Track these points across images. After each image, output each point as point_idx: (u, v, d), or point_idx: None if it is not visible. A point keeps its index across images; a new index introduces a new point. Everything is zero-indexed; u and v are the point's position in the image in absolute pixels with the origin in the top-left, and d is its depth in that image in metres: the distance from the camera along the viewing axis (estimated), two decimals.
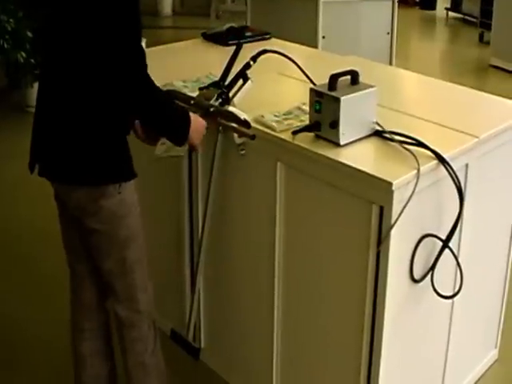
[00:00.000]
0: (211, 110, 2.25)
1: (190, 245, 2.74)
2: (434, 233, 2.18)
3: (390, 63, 6.55)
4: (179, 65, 3.01)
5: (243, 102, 2.36)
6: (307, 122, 2.25)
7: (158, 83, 2.67)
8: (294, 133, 2.19)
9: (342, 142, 2.13)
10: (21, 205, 4.32)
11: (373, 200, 2.03)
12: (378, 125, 2.23)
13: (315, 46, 6.16)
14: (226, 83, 2.36)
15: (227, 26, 3.46)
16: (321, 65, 3.00)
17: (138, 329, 2.29)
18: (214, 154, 2.41)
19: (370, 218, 2.05)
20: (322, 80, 2.35)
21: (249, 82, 2.38)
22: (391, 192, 1.96)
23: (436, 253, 2.19)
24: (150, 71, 2.82)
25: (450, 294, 2.27)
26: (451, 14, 9.68)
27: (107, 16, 1.93)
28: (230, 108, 2.29)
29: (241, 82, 2.37)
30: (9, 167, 4.61)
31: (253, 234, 2.48)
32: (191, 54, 3.18)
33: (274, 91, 2.68)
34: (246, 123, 2.20)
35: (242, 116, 2.25)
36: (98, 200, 2.08)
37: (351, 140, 2.16)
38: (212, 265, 2.65)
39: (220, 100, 2.27)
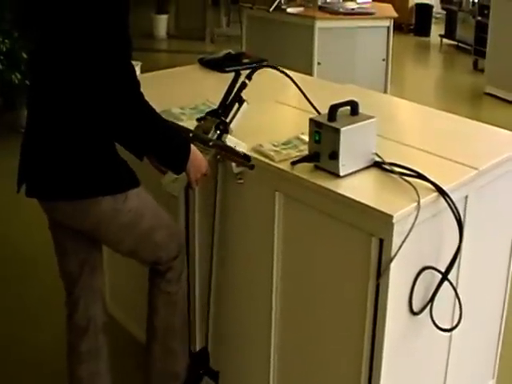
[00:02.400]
0: (210, 144, 2.25)
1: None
2: (433, 265, 2.17)
3: (385, 90, 6.59)
4: (176, 91, 3.01)
5: (241, 131, 2.36)
6: (306, 152, 2.25)
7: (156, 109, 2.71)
8: (293, 163, 2.19)
9: (341, 173, 2.13)
10: (13, 226, 4.30)
11: (372, 232, 2.02)
12: (378, 156, 2.23)
13: (311, 72, 6.19)
14: (223, 111, 2.36)
15: (224, 52, 3.47)
16: (318, 93, 2.99)
17: (174, 269, 2.39)
18: (216, 183, 2.41)
19: (369, 250, 2.04)
20: (320, 109, 2.36)
21: (244, 104, 2.38)
22: (391, 225, 1.96)
23: (435, 285, 2.19)
24: (147, 97, 2.83)
25: (448, 325, 2.26)
26: (445, 40, 9.77)
27: (97, 36, 1.94)
28: (229, 138, 2.29)
29: (237, 105, 2.37)
30: (2, 187, 4.59)
31: (251, 263, 2.47)
32: (188, 81, 3.19)
33: (272, 119, 2.68)
34: (245, 158, 2.20)
35: (241, 148, 2.26)
36: (92, 212, 2.09)
37: (351, 171, 2.16)
38: (208, 294, 2.64)
39: (218, 132, 2.27)
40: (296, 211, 2.25)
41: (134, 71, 2.03)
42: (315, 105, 2.43)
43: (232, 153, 2.25)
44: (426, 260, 2.17)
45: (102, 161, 2.09)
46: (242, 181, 2.35)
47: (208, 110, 2.63)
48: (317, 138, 2.15)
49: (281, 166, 2.22)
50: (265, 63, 3.39)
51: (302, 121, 2.56)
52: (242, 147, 2.31)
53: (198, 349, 2.74)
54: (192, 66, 3.44)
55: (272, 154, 2.27)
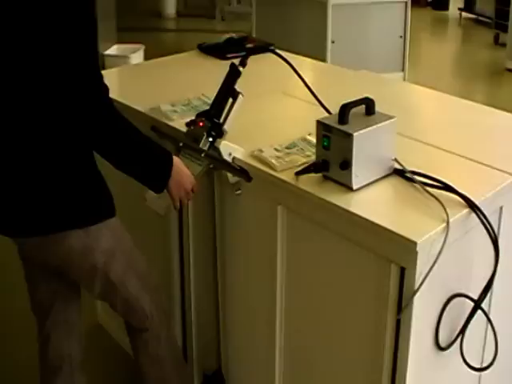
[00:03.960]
0: (202, 155, 1.90)
1: (181, 293, 2.39)
2: (463, 291, 1.82)
3: (403, 68, 6.20)
4: (170, 82, 2.65)
5: (239, 130, 2.00)
6: (313, 157, 1.90)
7: (144, 105, 2.36)
8: (298, 174, 1.83)
9: (354, 187, 1.78)
10: None
11: (392, 259, 1.67)
12: (397, 162, 1.87)
13: (324, 51, 5.81)
14: (215, 110, 2.00)
15: (225, 36, 3.10)
16: (329, 81, 2.65)
17: (151, 330, 2.04)
18: (213, 194, 2.06)
19: (388, 279, 1.69)
20: (331, 99, 2.01)
21: (239, 97, 2.01)
22: (415, 253, 1.60)
23: (465, 315, 1.83)
24: (139, 88, 2.47)
25: (477, 361, 1.92)
26: (464, 14, 9.28)
27: (58, 45, 1.60)
28: (223, 144, 1.93)
29: (230, 101, 2.01)
30: None
31: (251, 284, 2.12)
32: (184, 70, 2.82)
33: (275, 116, 2.32)
34: (242, 172, 1.85)
35: (238, 155, 1.91)
36: (60, 247, 1.75)
37: (366, 183, 1.80)
38: (206, 314, 2.31)
39: (210, 139, 1.92)
40: (301, 228, 1.90)
41: (101, 80, 1.68)
42: (327, 94, 2.06)
43: (226, 166, 1.90)
44: (455, 286, 1.81)
45: (67, 188, 1.76)
46: (239, 192, 2.00)
47: (202, 106, 2.30)
48: (325, 143, 1.79)
49: (283, 176, 1.86)
50: (269, 48, 3.06)
51: (310, 117, 2.20)
52: (239, 153, 1.96)
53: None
54: (190, 53, 3.07)
55: (273, 161, 1.91)
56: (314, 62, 3.10)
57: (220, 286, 2.20)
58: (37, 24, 1.61)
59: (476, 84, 7.05)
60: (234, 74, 2.00)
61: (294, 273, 1.95)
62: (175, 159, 1.81)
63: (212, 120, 1.94)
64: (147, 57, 5.26)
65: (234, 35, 3.11)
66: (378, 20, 6.00)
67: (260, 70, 2.04)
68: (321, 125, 1.79)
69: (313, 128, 1.95)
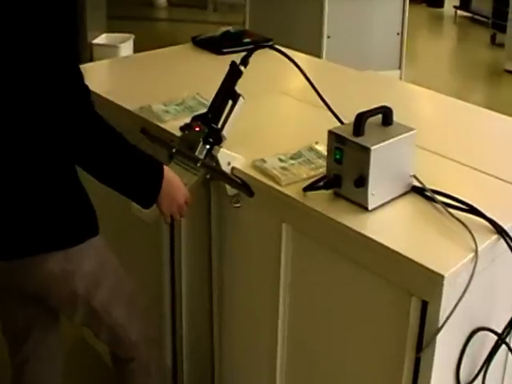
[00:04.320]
0: (198, 164, 1.68)
1: (172, 313, 2.17)
2: (487, 324, 1.62)
3: (400, 66, 5.99)
4: (162, 78, 2.42)
5: (237, 135, 1.78)
6: (322, 170, 1.69)
7: (133, 104, 2.14)
8: (306, 189, 1.62)
9: (370, 206, 1.57)
10: None
11: (413, 291, 1.46)
12: (416, 179, 1.66)
13: (319, 46, 5.59)
14: (213, 113, 1.77)
15: (221, 29, 2.87)
16: (333, 81, 2.43)
17: (138, 360, 1.80)
18: (210, 207, 1.84)
19: (407, 312, 1.48)
20: (337, 103, 1.79)
21: (240, 100, 1.79)
22: (441, 286, 1.40)
23: (487, 350, 1.63)
24: (128, 83, 2.27)
25: None
26: (460, 12, 9.07)
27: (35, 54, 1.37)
28: (221, 152, 1.72)
29: (230, 103, 1.79)
30: None
31: (250, 306, 1.91)
32: (177, 65, 2.60)
33: (277, 120, 2.10)
34: (244, 186, 1.64)
35: (237, 165, 1.69)
36: (37, 272, 1.53)
37: (382, 202, 1.59)
38: (200, 336, 2.10)
39: (208, 146, 1.70)
40: (309, 249, 1.69)
41: (81, 85, 1.46)
42: (332, 96, 1.84)
43: (225, 179, 1.69)
44: (479, 319, 1.61)
45: (45, 206, 1.54)
46: (238, 204, 1.79)
47: (198, 107, 2.08)
48: (338, 156, 1.58)
49: (289, 191, 1.65)
50: (269, 43, 2.84)
51: (315, 121, 2.00)
52: (239, 163, 1.75)
53: None
54: (184, 46, 2.84)
55: (278, 174, 1.69)
56: (314, 59, 2.90)
57: (216, 307, 1.98)
58: (11, 29, 1.38)
59: (474, 85, 6.87)
60: (234, 74, 1.78)
61: (299, 298, 1.74)
62: (166, 170, 1.58)
63: (209, 125, 1.72)
64: (137, 47, 5.02)
65: (230, 28, 2.89)
66: (375, 16, 5.80)
67: (255, 66, 1.82)
68: (333, 136, 1.58)
69: (319, 133, 1.75)
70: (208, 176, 1.73)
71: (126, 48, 4.52)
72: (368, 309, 1.58)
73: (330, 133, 1.59)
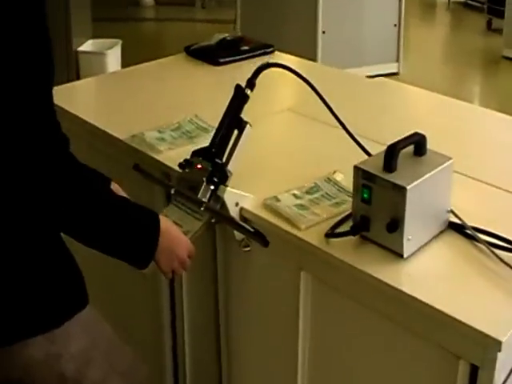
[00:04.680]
0: (202, 208, 1.43)
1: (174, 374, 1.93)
2: None
3: (398, 58, 5.75)
4: (155, 98, 2.17)
5: (245, 171, 1.54)
6: (345, 207, 1.45)
7: (124, 131, 1.89)
8: (329, 236, 1.38)
9: (406, 254, 1.33)
10: None
11: (461, 354, 1.22)
12: (454, 214, 1.42)
13: (314, 42, 5.35)
14: (217, 146, 1.52)
15: (217, 37, 2.61)
16: (343, 91, 2.19)
17: None
18: (215, 252, 1.60)
19: (453, 378, 1.25)
20: (346, 115, 1.56)
21: (247, 128, 1.55)
22: (496, 351, 1.16)
23: None
24: (116, 105, 2.02)
25: None
26: None
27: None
28: (228, 192, 1.47)
29: (235, 133, 1.55)
30: None
31: (265, 361, 1.66)
32: (171, 80, 2.34)
33: (288, 145, 1.85)
34: (259, 237, 1.40)
35: (245, 205, 1.45)
36: (18, 359, 1.28)
37: (419, 246, 1.36)
38: None
39: (212, 186, 1.45)
40: (332, 302, 1.45)
41: (56, 130, 1.20)
42: (343, 109, 1.60)
43: (235, 226, 1.45)
44: None
45: (21, 284, 1.27)
46: (248, 248, 1.54)
47: (196, 132, 1.85)
48: (366, 195, 1.34)
49: (308, 237, 1.40)
50: (269, 49, 2.60)
51: (330, 144, 1.77)
52: (248, 202, 1.51)
53: None
54: (176, 57, 2.58)
55: (294, 215, 1.45)
56: (321, 66, 2.65)
57: (225, 371, 1.74)
58: None
59: (471, 73, 6.62)
60: (240, 99, 1.53)
61: (321, 358, 1.50)
62: (164, 221, 1.33)
63: (213, 161, 1.48)
64: (125, 50, 4.77)
65: (227, 35, 2.63)
66: (371, 7, 5.56)
67: (258, 79, 1.57)
68: (360, 172, 1.34)
69: (335, 158, 1.54)
70: (213, 220, 1.48)
71: (114, 54, 4.27)
72: (404, 371, 1.35)
73: (357, 168, 1.34)
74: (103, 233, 1.24)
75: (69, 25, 4.07)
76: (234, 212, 1.49)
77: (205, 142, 1.78)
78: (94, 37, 4.57)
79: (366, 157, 1.53)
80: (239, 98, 1.54)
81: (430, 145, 1.40)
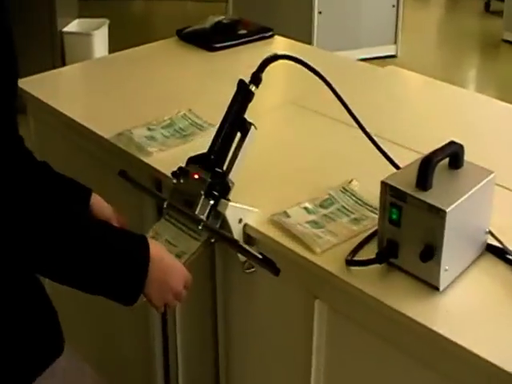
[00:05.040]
0: (200, 227, 1.21)
1: None
2: None
3: (396, 40, 5.51)
4: (144, 88, 1.93)
5: (248, 178, 1.32)
6: (366, 223, 1.24)
7: (108, 127, 1.66)
8: (350, 263, 1.16)
9: (442, 286, 1.11)
10: None
11: None
12: (492, 235, 1.21)
13: (310, 23, 5.09)
14: (217, 153, 1.29)
15: (212, 19, 2.37)
16: (352, 80, 1.96)
17: None
18: (214, 275, 1.38)
19: None
20: (364, 112, 1.34)
21: (251, 130, 1.32)
22: None
23: None
24: (101, 97, 1.80)
25: None
26: None
27: None
28: (230, 207, 1.24)
29: (238, 136, 1.32)
30: None
31: None
32: (162, 67, 2.10)
33: (294, 145, 1.62)
34: (269, 266, 1.17)
35: (249, 221, 1.22)
36: None
37: (455, 277, 1.14)
38: None
39: (212, 201, 1.23)
40: (351, 335, 1.23)
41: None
42: (354, 101, 1.36)
43: (240, 250, 1.22)
44: None
45: None
46: (253, 270, 1.32)
47: (190, 129, 1.62)
48: (395, 216, 1.12)
49: (326, 263, 1.18)
50: (268, 34, 2.36)
51: (343, 144, 1.56)
52: (252, 218, 1.28)
53: None
54: (167, 42, 2.34)
55: (308, 235, 1.23)
56: (326, 52, 2.41)
57: None
58: None
59: (469, 57, 6.39)
60: (243, 97, 1.30)
61: None
62: (154, 247, 1.10)
63: (213, 170, 1.25)
64: (113, 31, 4.50)
65: (222, 17, 2.39)
66: None
67: (252, 66, 1.34)
68: (388, 188, 1.12)
69: (351, 163, 1.35)
70: (213, 240, 1.26)
71: (101, 35, 4.01)
72: None
73: (385, 184, 1.12)
74: (77, 268, 1.02)
75: (53, 4, 3.80)
76: (236, 230, 1.26)
77: (200, 140, 1.57)
78: (80, 16, 4.31)
79: (383, 158, 1.32)
80: (242, 95, 1.31)
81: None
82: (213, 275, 1.41)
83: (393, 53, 5.50)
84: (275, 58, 1.33)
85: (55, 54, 3.85)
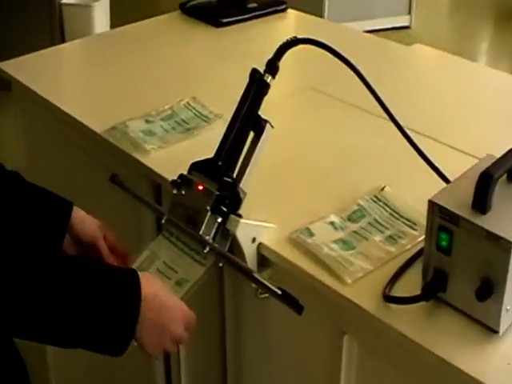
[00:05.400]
0: (205, 251, 1.00)
1: None
2: None
3: (410, 11, 5.23)
4: (141, 72, 1.70)
5: (258, 182, 1.10)
6: (405, 242, 1.03)
7: (101, 118, 1.44)
8: (389, 300, 0.94)
9: (502, 329, 0.90)
10: None
11: None
12: None
13: None
14: (226, 158, 1.07)
15: None
16: (378, 61, 1.72)
17: None
18: (223, 303, 1.17)
19: None
20: (390, 99, 1.12)
21: (267, 129, 1.10)
22: None
23: None
24: (95, 80, 1.60)
25: None
26: None
27: None
28: (242, 224, 1.02)
29: (251, 136, 1.10)
30: None
31: None
32: (162, 47, 1.86)
33: (313, 139, 1.39)
34: (291, 303, 0.95)
35: (264, 239, 1.01)
36: None
37: None
38: None
39: (219, 219, 1.01)
40: (386, 377, 1.02)
41: None
42: (383, 86, 1.13)
43: (256, 283, 1.01)
44: None
45: None
46: (266, 294, 1.11)
47: (193, 122, 1.40)
48: (445, 243, 0.90)
49: (357, 297, 0.97)
50: (282, 7, 2.12)
51: (371, 139, 1.34)
52: (268, 235, 1.07)
53: None
54: (170, 15, 2.09)
55: (336, 260, 1.01)
56: (344, 26, 2.17)
57: None
58: None
59: (484, 28, 6.11)
60: (257, 90, 1.08)
61: None
62: (147, 282, 0.88)
63: (221, 180, 1.03)
64: (114, 3, 4.25)
65: None
66: None
67: (269, 45, 1.12)
68: (437, 209, 0.90)
69: (381, 161, 1.14)
70: (220, 264, 1.04)
71: (102, 7, 3.75)
72: None
73: (433, 204, 0.90)
74: (47, 320, 0.81)
75: None
76: (249, 251, 1.05)
77: (205, 135, 1.36)
78: None
79: (418, 157, 1.10)
80: (256, 87, 1.09)
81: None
82: (221, 301, 1.19)
83: (406, 23, 5.24)
84: (295, 42, 1.11)
85: (54, 27, 3.61)
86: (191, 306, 0.99)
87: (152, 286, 0.89)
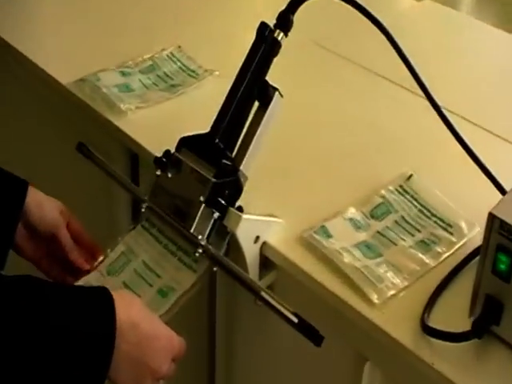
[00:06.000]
0: (197, 253, 0.78)
1: None
2: None
3: None
4: (115, 11, 1.43)
5: (264, 167, 0.88)
6: (441, 251, 0.83)
7: (69, 67, 1.20)
8: (429, 332, 0.74)
9: None
10: None
11: None
12: None
13: None
14: (224, 133, 0.84)
15: None
16: (393, 20, 1.48)
17: None
18: (214, 307, 0.96)
19: None
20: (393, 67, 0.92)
21: (275, 98, 0.88)
22: None
23: None
24: (64, 21, 1.37)
25: None
26: None
27: None
28: (243, 220, 0.81)
29: (256, 106, 0.88)
30: None
31: None
32: None
33: (324, 110, 1.15)
34: (308, 331, 0.74)
35: (272, 240, 0.81)
36: None
37: None
38: None
39: (216, 214, 0.79)
40: None
41: None
42: (387, 63, 0.92)
43: (265, 304, 0.79)
44: None
45: None
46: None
47: (179, 77, 1.18)
48: (503, 267, 0.70)
49: (386, 323, 0.77)
50: None
51: (393, 113, 1.13)
52: (274, 233, 0.86)
53: None
54: None
55: (363, 275, 0.81)
56: None
57: None
58: None
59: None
60: (266, 49, 0.85)
61: None
62: (121, 305, 0.67)
63: (218, 162, 0.81)
64: None
65: None
66: None
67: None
68: (498, 224, 0.69)
69: (408, 145, 0.97)
70: (215, 269, 0.83)
71: None
72: None
73: (493, 217, 0.70)
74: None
75: None
76: (251, 252, 0.84)
77: (193, 94, 1.14)
78: None
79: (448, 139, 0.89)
80: (266, 46, 0.86)
81: None
82: (212, 310, 0.98)
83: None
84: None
85: None
86: (175, 319, 0.79)
87: (130, 310, 0.68)
